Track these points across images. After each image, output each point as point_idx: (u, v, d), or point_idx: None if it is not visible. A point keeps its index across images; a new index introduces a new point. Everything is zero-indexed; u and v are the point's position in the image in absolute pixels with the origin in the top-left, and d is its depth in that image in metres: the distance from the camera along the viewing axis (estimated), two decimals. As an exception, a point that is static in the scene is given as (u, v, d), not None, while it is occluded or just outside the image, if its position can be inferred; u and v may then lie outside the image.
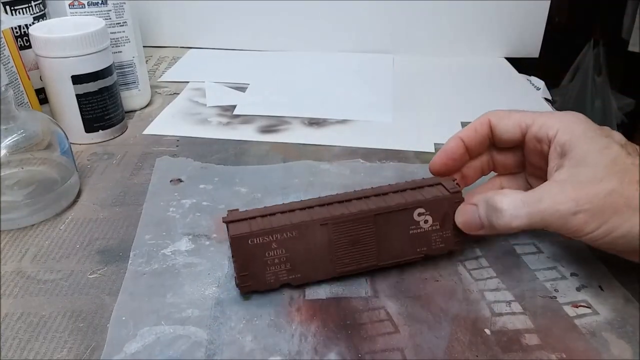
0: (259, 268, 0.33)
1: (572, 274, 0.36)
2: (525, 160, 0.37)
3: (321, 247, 0.33)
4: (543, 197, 0.31)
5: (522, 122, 0.35)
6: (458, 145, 0.37)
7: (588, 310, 0.33)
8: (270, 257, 0.32)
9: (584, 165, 0.31)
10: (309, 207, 0.33)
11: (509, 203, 0.31)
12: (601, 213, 0.29)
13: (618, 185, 0.30)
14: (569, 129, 0.32)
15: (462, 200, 0.34)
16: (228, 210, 0.34)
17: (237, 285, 0.33)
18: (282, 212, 0.33)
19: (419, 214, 0.34)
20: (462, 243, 0.35)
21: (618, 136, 0.32)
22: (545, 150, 0.34)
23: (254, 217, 0.33)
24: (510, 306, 0.33)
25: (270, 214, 0.33)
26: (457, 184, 0.35)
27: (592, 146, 0.31)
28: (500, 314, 0.32)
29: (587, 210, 0.29)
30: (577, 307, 0.33)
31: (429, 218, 0.34)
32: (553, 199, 0.30)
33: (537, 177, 0.36)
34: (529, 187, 0.37)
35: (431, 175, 0.38)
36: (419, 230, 0.34)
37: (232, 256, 0.32)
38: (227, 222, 0.32)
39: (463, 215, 0.34)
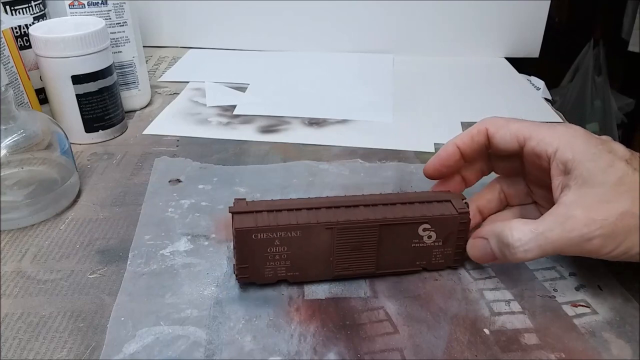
0: (259, 262, 0.33)
1: (570, 274, 0.36)
2: (524, 168, 0.36)
3: (322, 249, 0.33)
4: (553, 226, 0.30)
5: (520, 135, 0.34)
6: (453, 152, 0.36)
7: (587, 310, 0.33)
8: (271, 252, 0.33)
9: (590, 185, 0.30)
10: (316, 208, 0.33)
11: (519, 238, 0.30)
12: (615, 235, 0.29)
13: (629, 206, 0.29)
14: (570, 146, 0.31)
15: (469, 221, 0.34)
16: (235, 199, 0.34)
17: (236, 275, 0.33)
18: (289, 210, 0.33)
19: (424, 229, 0.34)
20: (461, 261, 0.36)
21: (621, 150, 0.31)
22: (544, 165, 0.33)
23: (260, 211, 0.33)
24: (509, 305, 0.33)
25: (277, 210, 0.33)
26: (465, 203, 0.34)
27: (596, 164, 0.30)
28: (500, 313, 0.32)
29: (601, 235, 0.29)
30: (576, 307, 0.33)
31: (433, 234, 0.34)
32: (563, 227, 0.30)
33: (536, 184, 0.36)
34: (529, 191, 0.37)
35: (425, 177, 0.38)
36: (421, 245, 0.34)
37: (234, 247, 0.32)
38: (233, 212, 0.33)
39: (475, 251, 0.34)
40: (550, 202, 0.32)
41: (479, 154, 0.37)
